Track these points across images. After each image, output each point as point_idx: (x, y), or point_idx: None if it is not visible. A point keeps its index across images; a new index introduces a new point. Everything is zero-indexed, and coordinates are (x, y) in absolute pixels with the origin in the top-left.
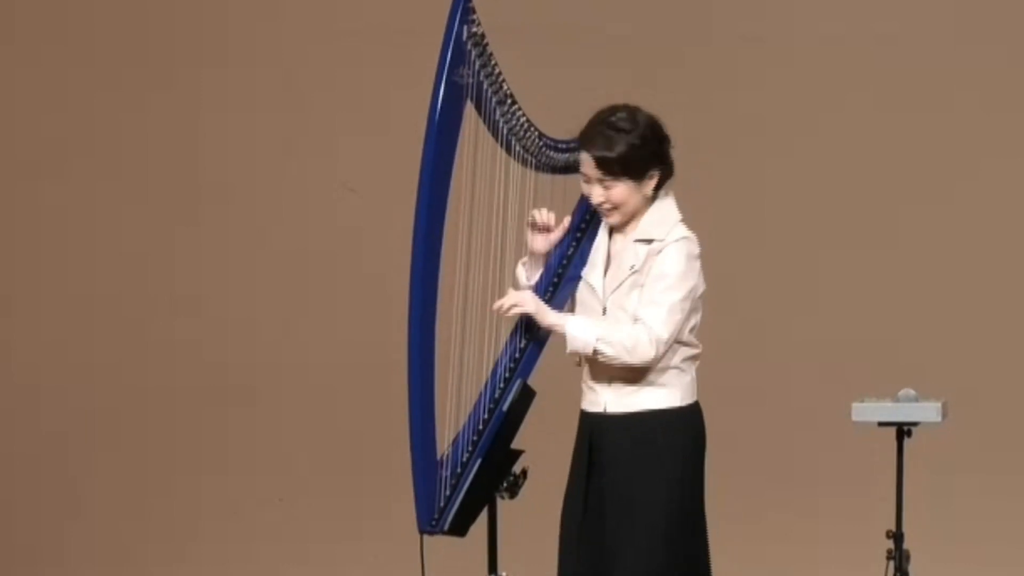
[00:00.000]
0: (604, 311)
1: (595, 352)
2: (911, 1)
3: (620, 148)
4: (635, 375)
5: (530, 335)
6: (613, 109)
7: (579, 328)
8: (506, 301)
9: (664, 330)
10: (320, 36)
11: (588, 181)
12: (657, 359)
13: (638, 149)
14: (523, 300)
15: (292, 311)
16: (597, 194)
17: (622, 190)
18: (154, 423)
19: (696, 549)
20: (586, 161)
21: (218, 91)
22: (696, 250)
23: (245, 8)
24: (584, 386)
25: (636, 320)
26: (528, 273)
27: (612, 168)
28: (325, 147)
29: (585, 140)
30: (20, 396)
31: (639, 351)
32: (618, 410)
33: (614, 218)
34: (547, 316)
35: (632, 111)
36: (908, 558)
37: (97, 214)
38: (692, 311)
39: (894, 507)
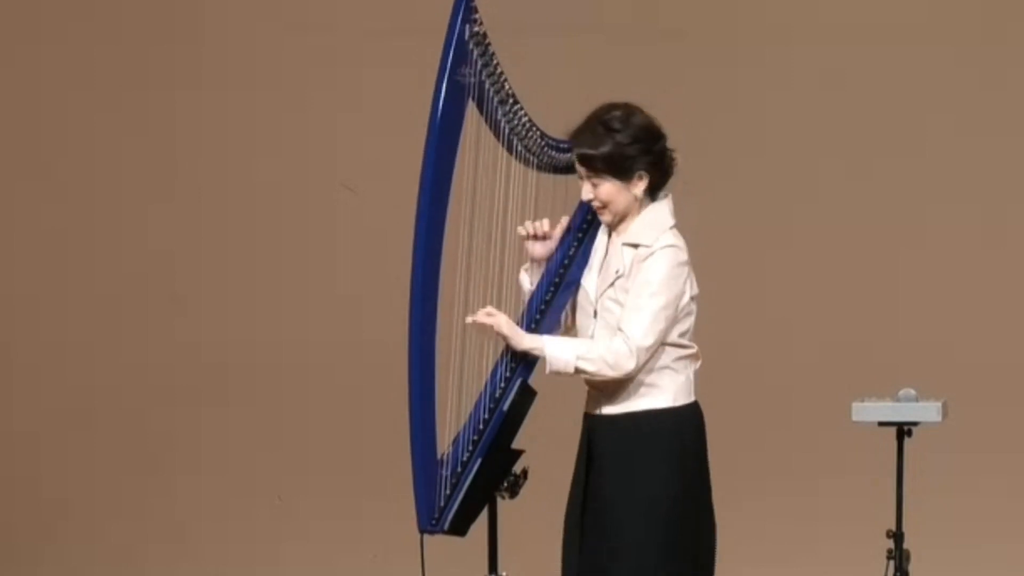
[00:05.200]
0: (595, 313)
1: (576, 371)
2: None
3: (605, 147)
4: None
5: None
6: (609, 107)
7: (558, 349)
8: (479, 315)
9: (645, 338)
10: (320, 35)
11: (581, 177)
12: (639, 368)
13: (625, 148)
14: (497, 322)
15: (292, 311)
16: (586, 191)
17: (608, 189)
18: (153, 423)
19: (696, 549)
20: (575, 158)
21: (218, 91)
22: (683, 258)
23: (245, 7)
24: (586, 388)
25: (618, 331)
26: (531, 278)
27: (596, 166)
28: (325, 147)
29: (574, 136)
30: (19, 395)
31: (620, 364)
32: (612, 411)
33: (605, 216)
34: (522, 340)
35: (628, 111)
36: (908, 558)
37: (96, 214)
38: (685, 315)
39: (894, 507)
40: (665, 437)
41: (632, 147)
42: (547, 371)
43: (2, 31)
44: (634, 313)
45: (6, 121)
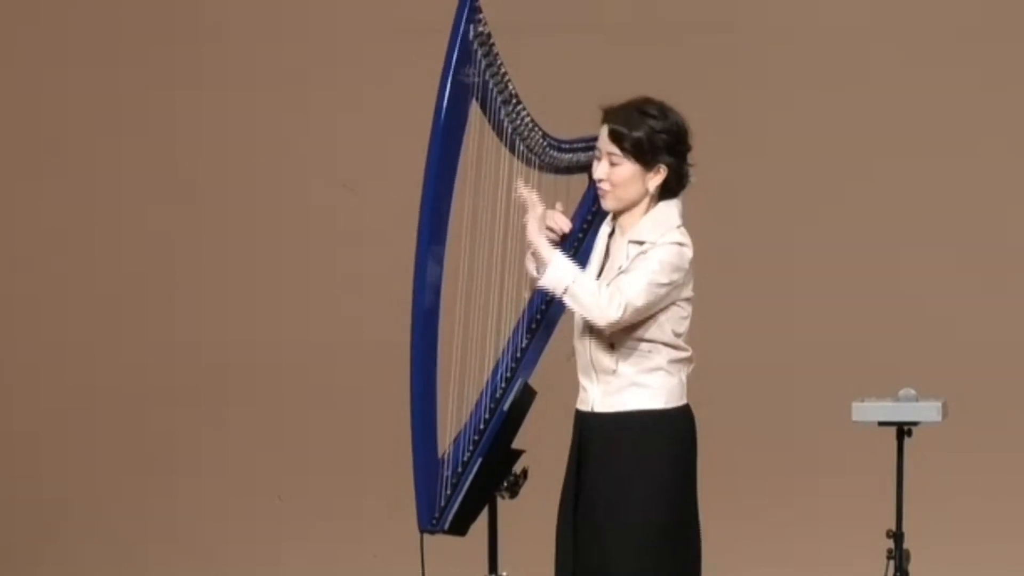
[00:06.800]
0: None
1: (564, 292)
2: None
3: (638, 130)
4: (622, 374)
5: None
6: (648, 100)
7: (563, 265)
8: (526, 191)
9: (637, 298)
10: (322, 35)
11: (599, 156)
12: (619, 324)
13: (655, 135)
14: (530, 215)
15: (292, 311)
16: (602, 169)
17: (626, 171)
18: (153, 423)
19: (683, 552)
20: (603, 133)
21: (218, 91)
22: (688, 255)
23: (245, 7)
24: (579, 385)
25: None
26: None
27: (624, 144)
28: (326, 147)
29: (608, 113)
30: (19, 395)
31: (606, 311)
32: (604, 409)
33: (609, 201)
34: (541, 238)
35: (666, 107)
36: (908, 558)
37: (96, 214)
38: (680, 318)
39: (894, 507)
40: (657, 438)
41: (662, 137)
42: (538, 283)
43: (2, 31)
44: (632, 275)
45: (6, 121)
